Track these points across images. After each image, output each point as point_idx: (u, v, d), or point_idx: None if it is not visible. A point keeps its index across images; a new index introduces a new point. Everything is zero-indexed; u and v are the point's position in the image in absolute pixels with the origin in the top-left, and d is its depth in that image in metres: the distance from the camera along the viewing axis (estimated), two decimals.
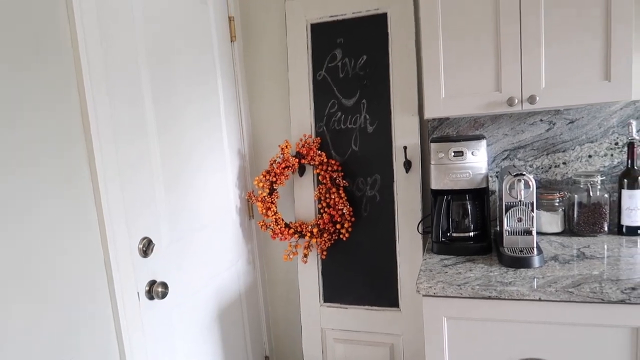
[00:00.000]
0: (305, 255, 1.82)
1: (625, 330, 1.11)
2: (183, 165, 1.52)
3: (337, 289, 1.88)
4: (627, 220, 1.48)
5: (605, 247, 1.40)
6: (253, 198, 1.85)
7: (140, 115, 1.33)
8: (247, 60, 1.97)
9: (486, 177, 1.43)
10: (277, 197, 1.81)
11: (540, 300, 1.13)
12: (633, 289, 1.07)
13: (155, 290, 1.34)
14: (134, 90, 1.31)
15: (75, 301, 1.09)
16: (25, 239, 0.97)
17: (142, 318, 1.29)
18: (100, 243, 1.17)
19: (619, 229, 1.51)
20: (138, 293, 1.29)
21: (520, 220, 1.34)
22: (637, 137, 1.49)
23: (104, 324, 1.18)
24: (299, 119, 1.86)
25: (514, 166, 1.63)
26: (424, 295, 1.23)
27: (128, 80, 1.29)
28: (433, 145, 1.46)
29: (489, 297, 1.17)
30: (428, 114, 1.46)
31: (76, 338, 1.09)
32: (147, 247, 1.32)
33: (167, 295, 1.36)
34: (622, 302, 1.08)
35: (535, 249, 1.31)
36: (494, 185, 1.70)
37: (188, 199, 1.55)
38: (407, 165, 1.71)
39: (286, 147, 1.79)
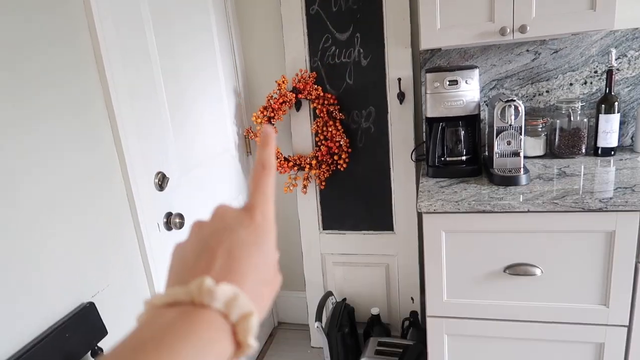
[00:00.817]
0: (305, 187, 1.92)
1: (601, 234, 1.27)
2: (184, 100, 1.55)
3: (335, 217, 2.00)
4: (602, 142, 1.62)
5: (583, 166, 1.55)
6: (251, 134, 1.90)
7: (143, 44, 1.34)
8: None
9: (478, 105, 1.52)
10: (275, 132, 1.87)
11: (528, 211, 1.27)
12: (610, 198, 1.22)
13: (174, 221, 1.41)
14: (137, 19, 1.31)
15: (106, 231, 1.16)
16: (61, 174, 1.02)
17: (163, 248, 1.38)
18: (122, 178, 1.23)
19: (594, 151, 1.65)
20: (158, 224, 1.36)
21: (509, 143, 1.46)
22: (615, 65, 1.60)
23: (132, 253, 1.26)
24: (293, 55, 1.88)
25: (503, 94, 1.73)
26: (424, 213, 1.36)
27: (131, 9, 1.28)
28: (429, 75, 1.53)
29: (484, 211, 1.30)
30: (424, 45, 1.52)
31: (108, 263, 1.17)
32: (162, 181, 1.38)
33: (184, 225, 1.45)
34: (600, 210, 1.23)
35: (522, 169, 1.44)
36: (482, 114, 1.80)
37: (191, 134, 1.59)
38: (401, 96, 1.78)
39: (283, 82, 1.83)
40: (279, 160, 1.87)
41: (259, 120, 1.84)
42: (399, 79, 1.77)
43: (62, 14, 1.05)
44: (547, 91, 1.74)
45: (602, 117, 1.60)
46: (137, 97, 1.30)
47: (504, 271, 1.35)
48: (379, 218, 1.95)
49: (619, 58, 1.64)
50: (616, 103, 1.57)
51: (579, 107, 1.63)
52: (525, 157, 1.69)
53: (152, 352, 0.25)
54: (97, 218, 1.13)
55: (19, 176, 0.92)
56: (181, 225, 1.43)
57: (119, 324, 1.18)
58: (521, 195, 1.31)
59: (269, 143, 0.35)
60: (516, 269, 1.34)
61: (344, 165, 1.87)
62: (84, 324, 1.05)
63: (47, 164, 0.99)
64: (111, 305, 1.16)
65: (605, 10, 1.37)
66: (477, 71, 1.51)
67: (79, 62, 1.10)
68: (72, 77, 1.07)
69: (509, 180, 1.40)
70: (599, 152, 1.63)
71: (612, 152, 1.62)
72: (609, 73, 1.58)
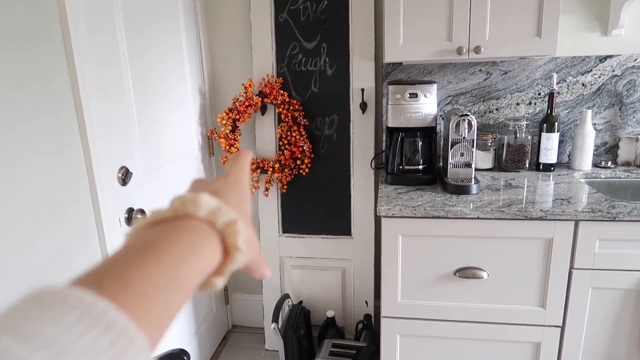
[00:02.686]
0: (267, 189, 1.95)
1: (541, 241, 1.39)
2: (151, 97, 1.55)
3: (295, 221, 2.04)
4: (544, 159, 1.77)
5: (527, 179, 1.68)
6: (215, 135, 1.91)
7: (113, 42, 1.33)
8: (206, 0, 1.97)
9: (435, 118, 1.63)
10: (239, 134, 1.90)
11: (478, 218, 1.37)
12: (549, 208, 1.34)
13: (135, 216, 1.41)
14: (108, 20, 1.31)
15: (68, 223, 1.15)
16: (27, 166, 1.00)
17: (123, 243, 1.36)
18: (85, 170, 1.22)
19: (537, 166, 1.80)
20: (119, 219, 1.35)
21: (462, 155, 1.56)
22: (556, 88, 1.76)
23: (92, 246, 1.24)
24: (261, 60, 1.92)
25: (458, 109, 1.85)
26: (383, 217, 1.43)
27: (103, 10, 1.28)
28: (391, 87, 1.62)
29: (438, 217, 1.39)
30: (387, 59, 1.61)
31: (69, 255, 1.15)
32: (125, 176, 1.37)
33: None
34: (540, 218, 1.35)
35: (473, 179, 1.55)
36: (438, 127, 1.91)
37: (156, 133, 1.59)
38: (363, 106, 1.86)
39: (250, 86, 1.86)
40: None
41: (224, 122, 1.85)
42: (362, 90, 1.85)
43: (35, 10, 1.04)
44: (496, 109, 1.88)
45: (543, 135, 1.75)
46: (106, 95, 1.29)
47: (454, 274, 1.44)
48: (337, 223, 2.01)
49: (559, 82, 1.81)
50: (556, 123, 1.72)
51: (524, 125, 1.77)
52: (476, 169, 1.81)
53: (143, 257, 0.25)
54: (60, 210, 1.12)
55: None
56: None
57: None
58: (472, 203, 1.41)
59: (244, 159, 0.41)
60: (465, 272, 1.44)
61: (307, 170, 1.92)
62: None
63: (13, 155, 0.97)
64: None
65: (549, 38, 1.51)
66: (435, 86, 1.61)
67: (50, 59, 1.08)
68: (43, 72, 1.06)
69: (461, 189, 1.50)
70: (541, 167, 1.78)
71: (552, 168, 1.77)
72: (551, 95, 1.74)
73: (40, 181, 1.06)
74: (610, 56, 1.76)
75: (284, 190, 1.99)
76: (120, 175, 1.36)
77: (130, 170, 1.39)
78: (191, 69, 1.85)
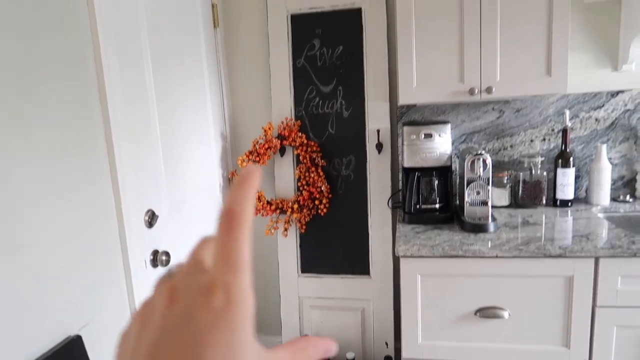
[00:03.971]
0: (286, 230, 1.98)
1: (561, 279, 1.38)
2: (176, 142, 1.63)
3: (314, 261, 2.06)
4: (560, 195, 1.78)
5: (544, 216, 1.68)
6: (236, 177, 1.98)
7: (145, 106, 1.42)
8: (228, 45, 2.08)
9: (450, 157, 1.66)
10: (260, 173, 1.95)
11: (497, 257, 1.38)
12: (568, 245, 1.34)
13: (160, 258, 1.45)
14: (138, 63, 1.40)
15: (96, 265, 1.19)
16: (60, 208, 1.06)
17: (148, 284, 1.41)
18: (115, 213, 1.27)
19: (554, 202, 1.80)
20: (145, 261, 1.40)
21: (478, 193, 1.58)
22: (569, 124, 1.79)
23: (119, 288, 1.29)
24: (279, 103, 2.00)
25: (472, 148, 1.88)
26: (402, 257, 1.45)
27: (134, 54, 1.38)
28: (406, 128, 1.66)
29: (456, 256, 1.40)
30: (402, 101, 1.66)
31: (96, 297, 1.19)
32: (152, 219, 1.43)
33: (170, 262, 1.48)
34: (559, 256, 1.35)
35: (490, 217, 1.56)
36: (454, 165, 1.94)
37: (182, 176, 1.65)
38: (379, 146, 1.91)
39: (269, 128, 1.93)
40: (262, 203, 1.94)
41: (245, 164, 1.92)
42: (378, 130, 1.91)
43: (71, 51, 1.13)
44: (511, 146, 1.91)
45: (559, 171, 1.76)
46: (135, 136, 1.36)
47: (475, 314, 1.44)
48: (356, 262, 2.02)
49: (572, 118, 1.83)
50: (571, 159, 1.74)
51: (539, 162, 1.79)
52: (492, 206, 1.82)
53: None
54: (90, 252, 1.17)
55: (18, 207, 0.96)
56: (167, 262, 1.46)
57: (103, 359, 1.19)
58: (490, 242, 1.42)
59: (249, 184, 0.24)
60: (486, 312, 1.43)
61: (325, 210, 1.96)
62: (70, 357, 1.06)
63: (47, 195, 1.04)
64: (96, 340, 1.18)
65: (559, 76, 1.55)
66: (449, 126, 1.65)
67: (84, 100, 1.17)
68: (77, 112, 1.14)
69: (478, 228, 1.52)
70: (558, 203, 1.78)
71: (570, 204, 1.77)
72: (564, 132, 1.76)
73: (72, 222, 1.11)
74: (621, 91, 1.79)
75: (303, 231, 2.02)
76: (147, 218, 1.41)
77: (157, 214, 1.45)
78: (213, 113, 1.94)
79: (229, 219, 0.23)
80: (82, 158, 1.15)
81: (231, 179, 2.07)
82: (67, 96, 1.11)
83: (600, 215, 1.68)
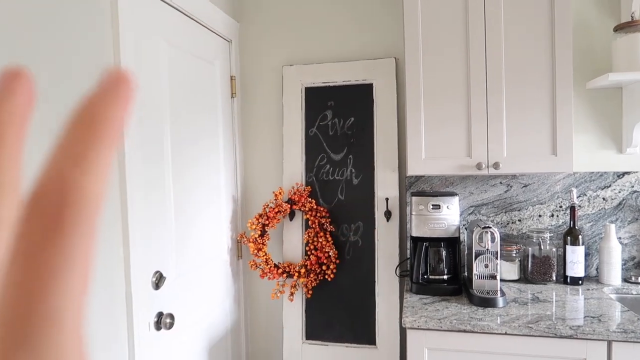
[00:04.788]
0: (292, 294, 1.97)
1: None
2: (187, 202, 1.67)
3: (319, 327, 2.02)
4: (570, 272, 1.76)
5: (554, 293, 1.66)
6: (245, 239, 2.00)
7: (160, 169, 1.48)
8: (244, 113, 2.18)
9: (458, 228, 1.67)
10: (267, 239, 1.97)
11: (506, 334, 1.35)
12: (579, 326, 1.32)
13: (164, 321, 1.44)
14: (158, 128, 1.47)
15: (101, 324, 1.19)
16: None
17: (150, 348, 1.39)
18: (124, 276, 1.29)
19: (564, 279, 1.78)
20: (149, 323, 1.39)
21: (487, 266, 1.58)
22: (577, 202, 1.81)
23: (121, 350, 1.27)
24: (291, 169, 2.06)
25: (481, 220, 1.90)
26: (408, 328, 1.42)
27: (154, 121, 1.45)
28: (414, 199, 1.70)
29: (464, 330, 1.38)
30: (410, 172, 1.71)
31: (99, 356, 1.18)
32: (159, 280, 1.43)
33: (174, 325, 1.47)
34: (570, 337, 1.32)
35: (499, 292, 1.54)
36: (462, 236, 1.95)
37: (191, 238, 1.68)
38: (388, 214, 1.93)
39: (280, 193, 1.98)
40: (269, 266, 1.94)
41: (254, 226, 1.94)
42: (387, 199, 1.94)
43: None
44: (519, 220, 1.92)
45: (568, 248, 1.76)
46: (149, 198, 1.41)
47: None
48: (362, 331, 1.98)
49: (580, 196, 1.85)
50: (580, 236, 1.74)
51: (548, 237, 1.79)
52: (501, 280, 1.80)
53: None
54: (94, 310, 1.17)
55: None
56: (171, 325, 1.45)
57: None
58: (499, 317, 1.39)
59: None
60: None
61: (332, 276, 1.95)
62: None
63: None
64: None
65: (564, 156, 1.60)
66: (457, 198, 1.68)
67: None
68: None
69: (487, 302, 1.50)
70: (568, 280, 1.76)
71: (580, 282, 1.74)
72: (572, 209, 1.78)
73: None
74: (627, 172, 1.82)
75: (309, 296, 2.00)
76: (154, 279, 1.42)
77: (164, 275, 1.46)
78: (226, 176, 2.00)
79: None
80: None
81: (239, 241, 2.09)
82: None
83: (612, 296, 1.65)
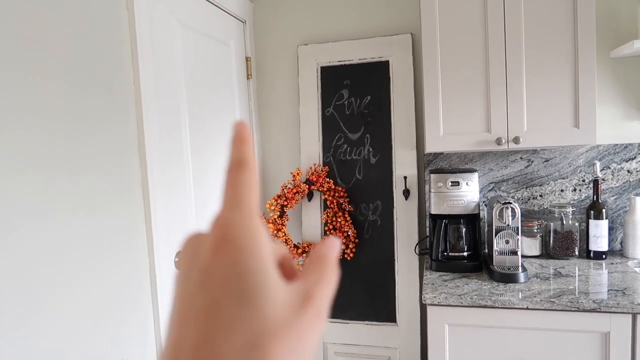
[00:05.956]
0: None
1: (597, 335, 1.33)
2: (207, 187, 1.69)
3: (339, 306, 2.04)
4: (594, 246, 1.73)
5: (577, 268, 1.64)
6: (264, 220, 2.02)
7: (179, 143, 1.50)
8: (260, 95, 2.18)
9: (478, 205, 1.66)
10: (286, 220, 1.99)
11: (527, 308, 1.35)
12: (602, 300, 1.30)
13: None
14: (176, 113, 1.49)
15: (129, 309, 1.23)
16: (101, 252, 1.12)
17: None
18: (147, 256, 1.32)
19: (587, 254, 1.75)
20: None
21: (507, 242, 1.56)
22: (600, 176, 1.77)
23: (147, 331, 1.31)
24: (308, 150, 2.06)
25: (501, 196, 1.88)
26: (429, 305, 1.43)
27: (172, 105, 1.47)
28: (433, 176, 1.68)
29: (485, 306, 1.38)
30: (428, 149, 1.69)
31: (127, 338, 1.22)
32: None
33: None
34: (594, 310, 1.30)
35: (520, 267, 1.53)
36: (482, 213, 1.93)
37: (210, 217, 1.70)
38: (406, 193, 1.93)
39: (297, 174, 1.98)
40: (289, 246, 1.96)
41: (273, 207, 1.96)
42: (405, 177, 1.93)
43: (118, 116, 1.22)
44: (540, 195, 1.89)
45: (591, 222, 1.73)
46: (170, 178, 1.43)
47: None
48: (382, 309, 1.99)
49: (603, 169, 1.81)
50: (604, 210, 1.71)
51: (570, 212, 1.77)
52: (522, 256, 1.79)
53: None
54: (121, 294, 1.21)
55: (59, 247, 1.02)
56: None
57: None
58: (520, 293, 1.39)
59: (245, 138, 0.26)
60: None
61: (351, 255, 1.96)
62: None
63: (87, 237, 1.09)
64: None
65: (588, 129, 1.56)
66: (476, 174, 1.67)
67: (126, 156, 1.25)
68: (119, 162, 1.22)
69: (508, 278, 1.49)
70: (591, 255, 1.73)
71: (604, 256, 1.72)
72: (595, 183, 1.74)
73: (107, 268, 1.16)
74: None
75: None
76: (177, 259, 1.45)
77: None
78: None
79: (234, 166, 0.24)
80: (120, 203, 1.22)
81: None
82: (111, 145, 1.19)
83: (637, 269, 1.62)
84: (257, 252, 0.21)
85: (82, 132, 1.09)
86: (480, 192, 1.93)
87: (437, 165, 1.96)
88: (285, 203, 1.96)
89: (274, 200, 1.97)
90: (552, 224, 1.78)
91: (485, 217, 1.90)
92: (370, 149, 2.00)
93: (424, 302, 1.42)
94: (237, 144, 0.25)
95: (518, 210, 1.54)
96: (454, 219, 1.67)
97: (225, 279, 0.20)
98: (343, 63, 2.03)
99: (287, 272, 0.24)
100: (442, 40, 1.66)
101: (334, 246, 0.26)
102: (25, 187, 0.93)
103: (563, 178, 1.87)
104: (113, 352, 1.16)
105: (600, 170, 1.79)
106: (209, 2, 1.73)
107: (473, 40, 1.63)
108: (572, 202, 1.86)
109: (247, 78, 2.09)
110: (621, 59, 1.78)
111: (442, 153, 1.95)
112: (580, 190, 1.85)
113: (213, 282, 0.20)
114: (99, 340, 1.11)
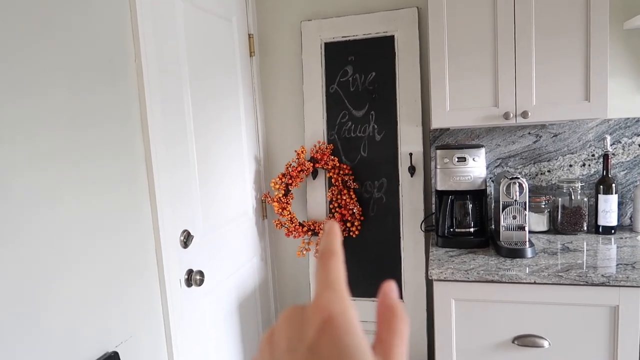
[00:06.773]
0: (317, 251, 1.98)
1: (605, 309, 1.32)
2: (211, 166, 1.68)
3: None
4: (602, 221, 1.71)
5: (585, 243, 1.62)
6: (269, 199, 2.01)
7: (182, 123, 1.49)
8: (263, 72, 2.15)
9: (485, 181, 1.64)
10: (291, 198, 1.98)
11: (535, 283, 1.33)
12: (611, 274, 1.29)
13: (194, 277, 1.48)
14: (179, 93, 1.47)
15: (133, 283, 1.23)
16: (106, 231, 1.11)
17: (182, 303, 1.43)
18: (152, 233, 1.32)
19: (596, 229, 1.73)
20: (180, 280, 1.43)
21: (514, 217, 1.55)
22: (611, 150, 1.74)
23: (154, 306, 1.32)
24: (312, 128, 2.04)
25: (508, 172, 1.85)
26: (435, 280, 1.42)
27: (175, 84, 1.44)
28: (439, 152, 1.66)
29: (492, 281, 1.37)
30: (434, 124, 1.67)
31: (133, 315, 1.23)
32: (187, 239, 1.46)
33: (204, 282, 1.51)
34: (602, 284, 1.29)
35: (527, 242, 1.52)
36: (489, 189, 1.91)
37: (216, 197, 1.70)
38: (412, 170, 1.90)
39: (302, 152, 1.97)
40: (294, 225, 1.96)
41: (277, 186, 1.95)
42: (410, 154, 1.91)
43: (119, 92, 1.20)
44: (548, 171, 1.86)
45: (601, 197, 1.70)
46: (173, 158, 1.42)
47: (513, 342, 1.39)
48: None
49: (614, 144, 1.78)
50: (613, 185, 1.68)
51: (579, 187, 1.74)
52: (530, 231, 1.77)
53: None
54: (127, 270, 1.21)
55: (68, 228, 1.01)
56: (201, 282, 1.49)
57: None
58: (527, 267, 1.38)
59: (336, 232, 0.30)
60: (524, 340, 1.37)
61: (356, 233, 1.96)
62: None
63: (92, 217, 1.09)
64: (132, 357, 1.20)
65: (598, 101, 1.52)
66: (483, 150, 1.64)
67: (129, 134, 1.23)
68: (123, 146, 1.20)
69: (515, 253, 1.48)
70: (600, 230, 1.71)
71: (613, 231, 1.70)
72: (605, 157, 1.71)
73: (113, 246, 1.16)
74: None
75: None
76: (182, 238, 1.45)
77: (192, 234, 1.49)
78: (248, 137, 2.00)
79: (326, 255, 0.28)
80: (124, 183, 1.21)
81: (264, 201, 2.11)
82: (113, 125, 1.18)
83: None
84: (357, 331, 0.24)
85: (84, 112, 1.07)
86: (487, 168, 1.90)
87: (443, 142, 1.94)
88: (290, 181, 1.94)
89: (278, 179, 1.96)
90: (560, 199, 1.76)
91: (492, 193, 1.88)
92: (375, 126, 1.97)
93: (430, 277, 1.42)
94: (328, 236, 0.29)
95: (526, 185, 1.52)
96: (460, 195, 1.65)
97: (332, 356, 0.22)
98: (347, 39, 1.99)
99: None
100: (449, 11, 1.61)
101: (393, 290, 0.29)
102: (34, 169, 0.92)
103: (572, 153, 1.84)
104: (120, 328, 1.17)
105: (611, 145, 1.76)
106: None
107: (481, 10, 1.59)
108: (580, 177, 1.83)
109: (250, 55, 2.06)
110: (635, 30, 1.72)
111: (448, 129, 1.92)
112: (589, 165, 1.82)
113: (321, 359, 0.23)
114: (107, 315, 1.12)
